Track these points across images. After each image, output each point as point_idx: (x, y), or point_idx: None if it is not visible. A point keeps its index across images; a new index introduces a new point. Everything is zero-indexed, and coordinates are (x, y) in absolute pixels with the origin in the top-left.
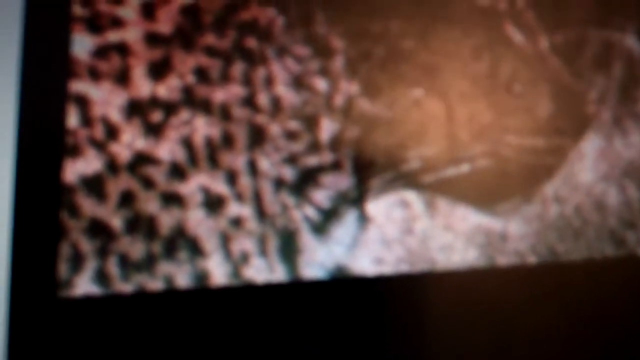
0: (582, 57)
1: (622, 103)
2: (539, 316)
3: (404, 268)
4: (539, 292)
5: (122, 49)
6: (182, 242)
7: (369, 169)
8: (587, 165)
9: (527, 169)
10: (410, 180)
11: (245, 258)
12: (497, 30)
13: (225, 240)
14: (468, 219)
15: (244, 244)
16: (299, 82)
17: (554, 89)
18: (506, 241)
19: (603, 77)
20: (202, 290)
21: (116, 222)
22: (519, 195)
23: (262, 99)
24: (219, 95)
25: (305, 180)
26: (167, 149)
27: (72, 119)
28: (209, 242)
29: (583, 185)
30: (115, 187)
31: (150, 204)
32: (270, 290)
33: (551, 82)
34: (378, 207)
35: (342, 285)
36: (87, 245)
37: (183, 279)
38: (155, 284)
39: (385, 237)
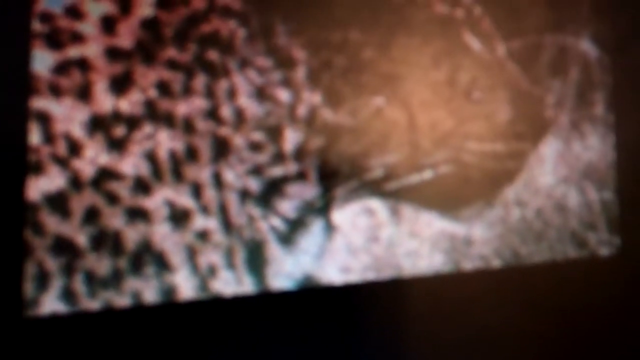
0: (539, 62)
1: (579, 107)
2: (505, 318)
3: (371, 275)
4: (504, 294)
5: (83, 65)
6: (148, 257)
7: (334, 178)
8: (547, 168)
9: (488, 174)
10: (374, 188)
11: (212, 271)
12: (456, 38)
13: (192, 254)
14: (433, 224)
15: (211, 257)
16: (261, 94)
17: (512, 94)
18: (471, 246)
19: (560, 82)
20: (170, 305)
21: (81, 238)
22: (481, 200)
23: (225, 111)
24: (182, 108)
25: (271, 191)
26: (131, 164)
27: (34, 136)
28: (176, 256)
29: (543, 188)
30: (79, 203)
31: (115, 220)
32: (238, 302)
33: (510, 88)
34: (343, 215)
35: (311, 294)
36: (52, 263)
37: (150, 294)
38: (122, 300)
39: (351, 246)
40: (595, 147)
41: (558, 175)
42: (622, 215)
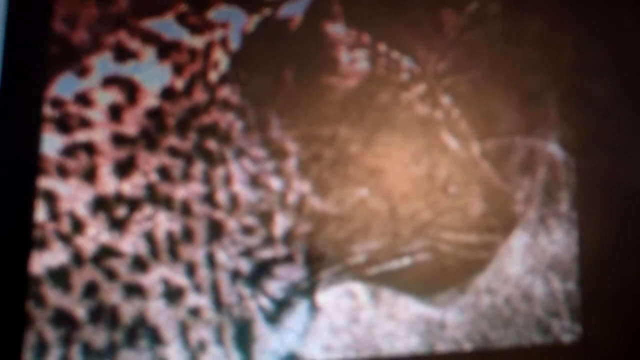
0: (510, 162)
1: (546, 203)
2: None
3: (351, 354)
4: None
5: (90, 148)
6: (142, 331)
7: (319, 262)
8: (516, 259)
9: (462, 262)
10: (356, 273)
11: (202, 346)
12: (435, 137)
13: (184, 329)
14: (410, 308)
15: (201, 332)
16: (255, 181)
17: (485, 190)
18: (444, 329)
19: (529, 180)
20: None
21: (80, 311)
22: (455, 286)
23: (221, 196)
24: (180, 192)
25: (260, 272)
26: (130, 243)
27: (40, 213)
28: (169, 331)
29: (512, 277)
30: (79, 278)
31: (113, 295)
32: None
33: (483, 184)
34: (327, 297)
35: None
36: (51, 334)
37: None
38: None
39: (333, 326)
40: (560, 241)
41: (525, 266)
42: (583, 304)
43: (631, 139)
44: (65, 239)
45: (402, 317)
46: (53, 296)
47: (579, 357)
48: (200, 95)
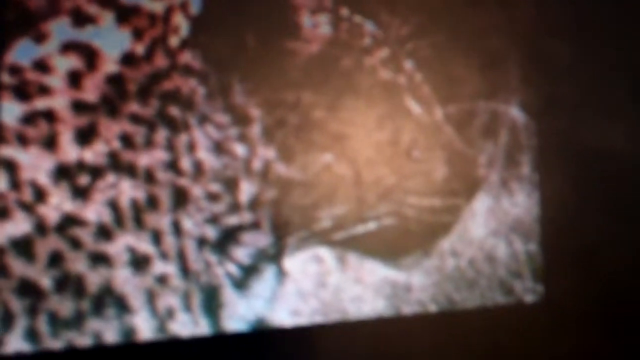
0: (472, 126)
1: (508, 167)
2: (440, 358)
3: (319, 319)
4: (440, 337)
5: (50, 116)
6: (109, 299)
7: (286, 228)
8: (479, 222)
9: (426, 226)
10: (323, 238)
11: (170, 313)
12: (398, 102)
13: (151, 297)
14: (376, 272)
15: (169, 300)
16: (219, 148)
17: (448, 154)
18: (410, 292)
19: (491, 144)
20: (130, 346)
21: (45, 281)
22: (420, 250)
23: (185, 163)
24: (144, 159)
25: (227, 239)
26: (94, 211)
27: (1, 183)
28: (136, 299)
29: (476, 240)
30: (44, 247)
31: (78, 264)
32: (195, 343)
33: (446, 149)
34: (294, 262)
35: (263, 336)
36: (17, 304)
37: (111, 335)
38: (84, 340)
39: (301, 291)
40: (521, 203)
41: (488, 228)
42: (545, 265)
43: (588, 101)
44: (28, 208)
45: (368, 281)
46: (17, 266)
47: (541, 316)
48: (161, 61)
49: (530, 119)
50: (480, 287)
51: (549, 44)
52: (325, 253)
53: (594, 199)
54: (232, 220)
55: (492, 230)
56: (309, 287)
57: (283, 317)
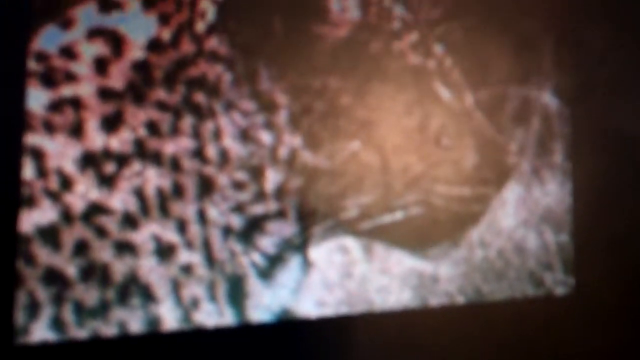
0: (503, 112)
1: (540, 155)
2: (468, 351)
3: (344, 309)
4: (467, 329)
5: (76, 103)
6: (134, 289)
7: (312, 217)
8: (509, 212)
9: (455, 216)
10: (349, 227)
11: (195, 303)
12: (427, 87)
13: (176, 287)
14: (402, 262)
15: (194, 289)
16: (245, 135)
17: (478, 142)
18: (437, 283)
19: (522, 131)
20: (155, 335)
21: (71, 270)
22: (448, 240)
23: (211, 151)
24: (170, 147)
25: (252, 228)
26: (120, 199)
27: (28, 171)
28: (161, 289)
29: (505, 230)
30: (70, 236)
31: (104, 253)
32: (219, 333)
33: (476, 136)
34: (320, 252)
35: (288, 326)
36: (43, 293)
37: (136, 324)
38: (109, 330)
39: (327, 281)
40: (553, 193)
41: (518, 218)
42: (576, 257)
43: (623, 87)
44: (54, 196)
45: (395, 272)
46: (43, 255)
47: (572, 309)
48: (187, 47)
49: (563, 105)
50: (509, 278)
51: (584, 28)
52: (351, 243)
53: (628, 188)
54: (258, 209)
55: (523, 220)
56: (334, 278)
57: (308, 307)
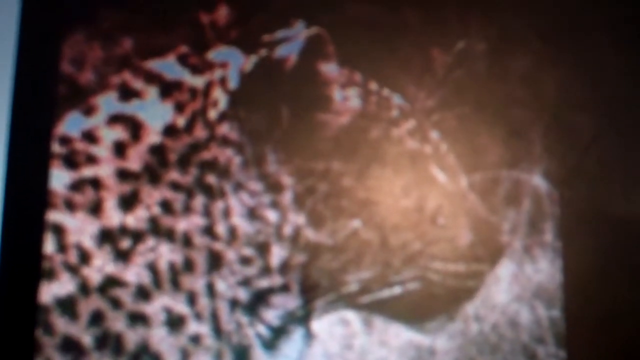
0: (495, 194)
1: (531, 234)
2: None
3: None
4: None
5: (96, 183)
6: (146, 357)
7: (314, 291)
8: (503, 287)
9: (450, 291)
10: (350, 301)
11: None
12: (424, 170)
13: (185, 356)
14: (401, 335)
15: (202, 359)
16: (252, 214)
17: (472, 221)
18: (434, 355)
19: (514, 212)
20: None
21: (87, 339)
22: (444, 314)
23: (220, 229)
24: (182, 224)
25: (258, 301)
26: (134, 273)
27: (49, 245)
28: (171, 358)
29: (499, 305)
30: (86, 307)
31: (118, 323)
32: None
33: (470, 216)
34: (322, 325)
35: None
36: None
37: None
38: None
39: (328, 352)
40: (545, 270)
41: (512, 294)
42: (568, 331)
43: (611, 171)
44: (73, 269)
45: (393, 344)
46: (61, 324)
47: None
48: (200, 132)
49: (552, 187)
50: (503, 351)
51: (572, 115)
52: (351, 316)
53: (618, 267)
54: (263, 283)
55: (516, 296)
56: (335, 349)
57: None
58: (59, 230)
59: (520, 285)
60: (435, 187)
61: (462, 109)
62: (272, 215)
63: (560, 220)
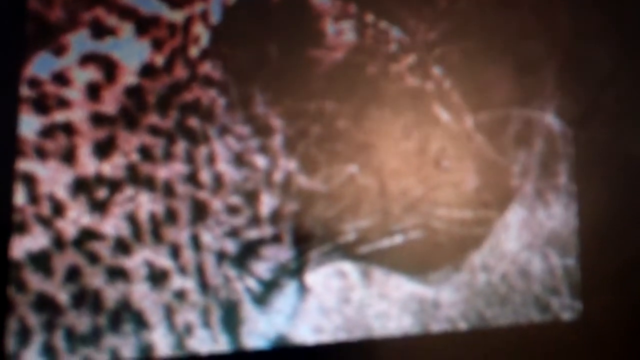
0: (505, 134)
1: (543, 177)
2: None
3: (342, 336)
4: (470, 355)
5: (68, 129)
6: (127, 315)
7: (308, 242)
8: (512, 235)
9: (456, 239)
10: (346, 252)
11: (189, 329)
12: (426, 109)
13: (169, 313)
14: (402, 287)
15: (187, 315)
16: (239, 160)
17: (479, 164)
18: (438, 308)
19: (525, 153)
20: None
21: (63, 296)
22: (449, 264)
23: (205, 176)
24: (163, 172)
25: (247, 253)
26: (112, 225)
27: (20, 197)
28: (154, 315)
29: (508, 254)
30: (61, 262)
31: (95, 279)
32: None
33: (477, 158)
34: (317, 277)
35: (284, 353)
36: (34, 320)
37: (128, 351)
38: (101, 357)
39: (323, 307)
40: (558, 215)
41: (522, 241)
42: (583, 280)
43: (630, 109)
44: (46, 222)
45: (394, 297)
46: (34, 281)
47: (579, 334)
48: (181, 72)
49: (566, 126)
50: (513, 303)
51: (588, 50)
52: (348, 267)
53: (636, 211)
54: (253, 233)
55: (526, 244)
56: (331, 303)
57: (305, 334)
58: (29, 180)
59: (531, 232)
60: (438, 127)
61: (467, 42)
62: (260, 161)
63: (575, 161)
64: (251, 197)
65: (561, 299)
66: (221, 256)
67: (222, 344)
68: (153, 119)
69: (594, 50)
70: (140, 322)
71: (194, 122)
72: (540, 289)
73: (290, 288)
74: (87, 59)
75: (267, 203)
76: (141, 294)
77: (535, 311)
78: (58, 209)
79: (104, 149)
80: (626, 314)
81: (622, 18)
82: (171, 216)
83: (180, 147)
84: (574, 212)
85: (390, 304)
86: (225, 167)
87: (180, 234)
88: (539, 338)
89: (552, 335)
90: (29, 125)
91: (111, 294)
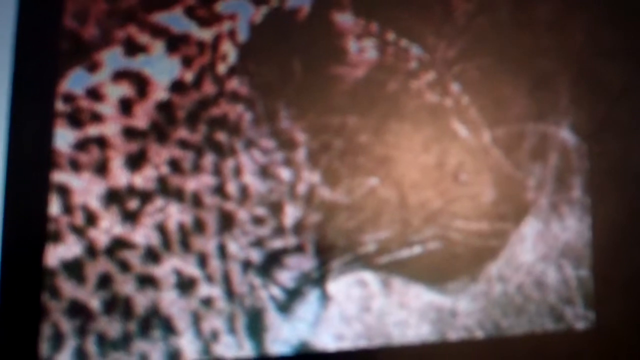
0: (521, 149)
1: (558, 190)
2: None
3: (363, 343)
4: None
5: (101, 142)
6: (156, 321)
7: (330, 252)
8: (528, 247)
9: (473, 251)
10: (367, 262)
11: (215, 335)
12: (444, 125)
13: (196, 319)
14: (421, 297)
15: (213, 322)
16: (264, 172)
17: (496, 177)
18: (455, 317)
19: (540, 167)
20: None
21: (94, 303)
22: (466, 275)
23: (231, 188)
24: (191, 184)
25: (271, 262)
26: (143, 234)
27: (54, 207)
28: (181, 321)
29: (524, 265)
30: (93, 270)
31: (126, 286)
32: None
33: (494, 172)
34: (338, 286)
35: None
36: (67, 325)
37: (157, 356)
38: None
39: (345, 315)
40: (572, 227)
41: (538, 253)
42: (596, 291)
43: None
44: (79, 231)
45: (413, 306)
46: (68, 288)
47: (592, 343)
48: (209, 88)
49: (581, 141)
50: (528, 313)
51: (601, 65)
52: (369, 277)
53: None
54: (277, 243)
55: (542, 255)
56: (352, 311)
57: (327, 341)
58: (64, 191)
59: (546, 244)
60: (456, 142)
61: (484, 59)
62: (285, 173)
63: (589, 175)
64: (276, 209)
65: (575, 309)
66: (246, 265)
67: (247, 350)
68: (182, 133)
69: (607, 66)
70: (169, 328)
71: (221, 136)
72: (554, 299)
73: (312, 296)
74: (120, 75)
75: (290, 214)
76: (170, 301)
77: (549, 321)
78: (91, 219)
79: (135, 162)
80: (638, 323)
81: (636, 34)
82: (199, 226)
83: (208, 160)
84: (588, 224)
85: (409, 313)
86: (251, 179)
87: (208, 244)
88: (553, 347)
89: (566, 343)
90: (64, 138)
91: (141, 300)
